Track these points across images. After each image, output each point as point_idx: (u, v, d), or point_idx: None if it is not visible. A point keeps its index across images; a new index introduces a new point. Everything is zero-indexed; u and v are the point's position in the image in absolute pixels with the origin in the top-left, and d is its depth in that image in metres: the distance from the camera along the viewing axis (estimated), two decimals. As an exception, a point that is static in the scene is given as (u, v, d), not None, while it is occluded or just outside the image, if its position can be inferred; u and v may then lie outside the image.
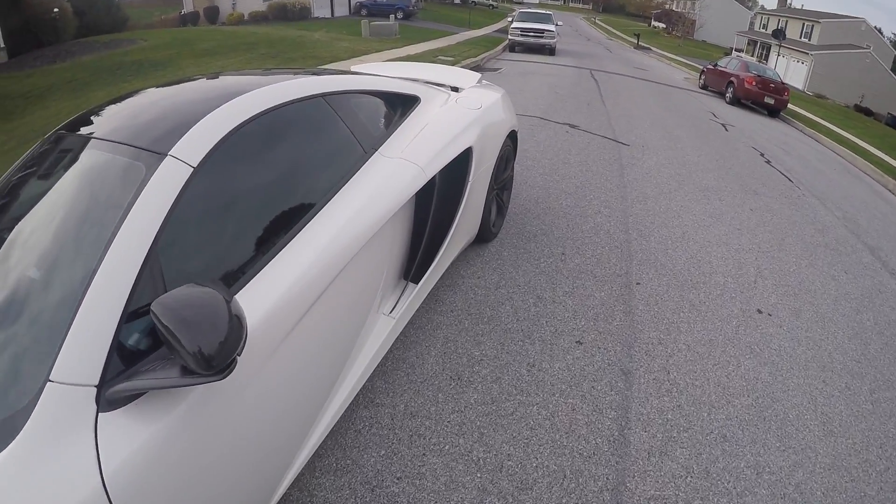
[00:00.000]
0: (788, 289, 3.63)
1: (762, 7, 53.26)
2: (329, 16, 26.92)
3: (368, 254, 1.94)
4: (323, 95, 1.98)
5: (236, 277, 1.44)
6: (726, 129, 9.23)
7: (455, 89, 3.34)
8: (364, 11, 26.92)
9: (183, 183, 1.36)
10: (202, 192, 1.43)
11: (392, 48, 14.21)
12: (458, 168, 2.65)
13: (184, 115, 1.58)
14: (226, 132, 1.53)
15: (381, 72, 3.71)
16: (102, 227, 1.24)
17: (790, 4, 47.89)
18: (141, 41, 11.66)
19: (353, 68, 4.01)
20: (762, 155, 7.71)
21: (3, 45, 12.28)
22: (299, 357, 1.57)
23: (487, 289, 3.03)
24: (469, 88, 3.35)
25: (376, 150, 2.12)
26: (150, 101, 1.81)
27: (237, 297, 1.38)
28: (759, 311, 3.26)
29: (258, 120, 1.66)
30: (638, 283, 3.33)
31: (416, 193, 2.24)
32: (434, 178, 2.37)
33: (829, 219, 5.40)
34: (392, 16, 22.29)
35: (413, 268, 2.40)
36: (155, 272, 1.24)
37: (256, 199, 1.64)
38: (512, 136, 3.45)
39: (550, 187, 4.71)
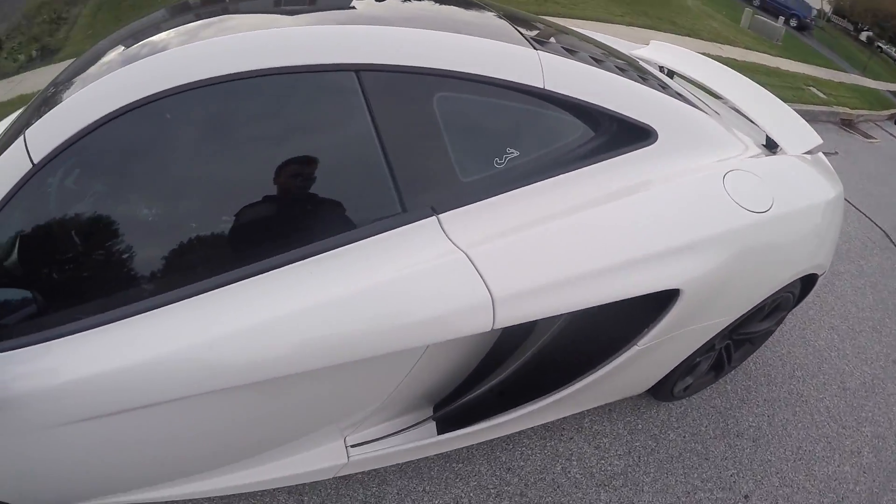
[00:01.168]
0: None
1: None
2: (719, -11, 23.51)
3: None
4: (357, 69, 0.99)
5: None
6: None
7: (771, 146, 1.89)
8: (757, 2, 22.92)
9: (14, 182, 0.93)
10: (42, 203, 0.96)
11: (764, 52, 11.49)
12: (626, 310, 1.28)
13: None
14: (99, 116, 0.93)
15: (680, 62, 2.34)
16: None
17: None
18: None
19: (651, 42, 2.67)
20: None
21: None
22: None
23: (587, 478, 1.77)
24: (787, 156, 1.83)
25: (436, 214, 1.05)
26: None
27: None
28: None
29: (181, 96, 0.96)
30: None
31: None
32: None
33: None
34: (783, 18, 18.56)
35: (448, 408, 1.29)
36: None
37: (130, 231, 1.04)
38: (807, 280, 1.88)
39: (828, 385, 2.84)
